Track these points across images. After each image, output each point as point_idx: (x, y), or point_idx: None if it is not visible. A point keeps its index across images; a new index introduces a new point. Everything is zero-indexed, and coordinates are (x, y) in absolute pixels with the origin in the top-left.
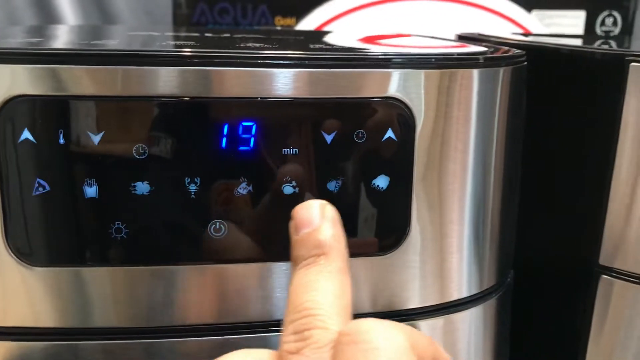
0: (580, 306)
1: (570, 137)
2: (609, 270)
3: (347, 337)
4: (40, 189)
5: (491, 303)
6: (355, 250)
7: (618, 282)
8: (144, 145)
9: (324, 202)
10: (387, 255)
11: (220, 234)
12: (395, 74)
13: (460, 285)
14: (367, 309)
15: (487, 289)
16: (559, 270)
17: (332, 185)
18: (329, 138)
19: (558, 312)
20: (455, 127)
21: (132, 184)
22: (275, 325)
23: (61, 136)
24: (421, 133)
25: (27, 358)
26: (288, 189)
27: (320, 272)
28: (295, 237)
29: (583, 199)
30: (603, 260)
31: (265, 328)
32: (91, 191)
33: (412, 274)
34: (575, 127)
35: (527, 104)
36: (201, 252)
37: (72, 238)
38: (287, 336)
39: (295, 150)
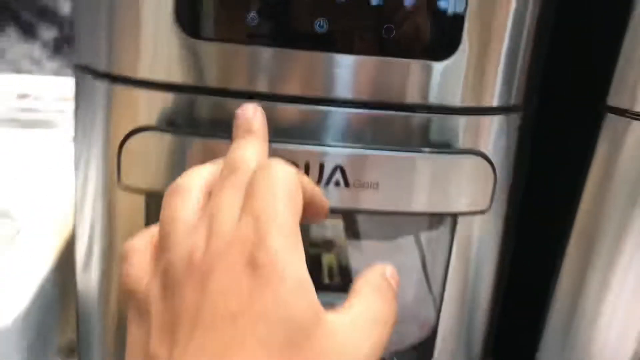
0: (585, 144)
1: None
2: (616, 110)
3: (259, 169)
4: None
5: (515, 118)
6: (413, 54)
7: (623, 121)
8: None
9: (256, 105)
10: (441, 62)
11: (323, 29)
12: None
13: (493, 95)
14: (417, 100)
15: (514, 105)
16: (568, 107)
17: None
18: None
19: (564, 148)
20: None
21: None
22: (360, 102)
23: None
24: None
25: (169, 107)
26: None
27: (248, 142)
28: (236, 122)
29: (597, 40)
30: (611, 100)
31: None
32: None
33: (457, 77)
34: None
35: None
36: (310, 42)
37: (218, 16)
38: (220, 174)
39: None
